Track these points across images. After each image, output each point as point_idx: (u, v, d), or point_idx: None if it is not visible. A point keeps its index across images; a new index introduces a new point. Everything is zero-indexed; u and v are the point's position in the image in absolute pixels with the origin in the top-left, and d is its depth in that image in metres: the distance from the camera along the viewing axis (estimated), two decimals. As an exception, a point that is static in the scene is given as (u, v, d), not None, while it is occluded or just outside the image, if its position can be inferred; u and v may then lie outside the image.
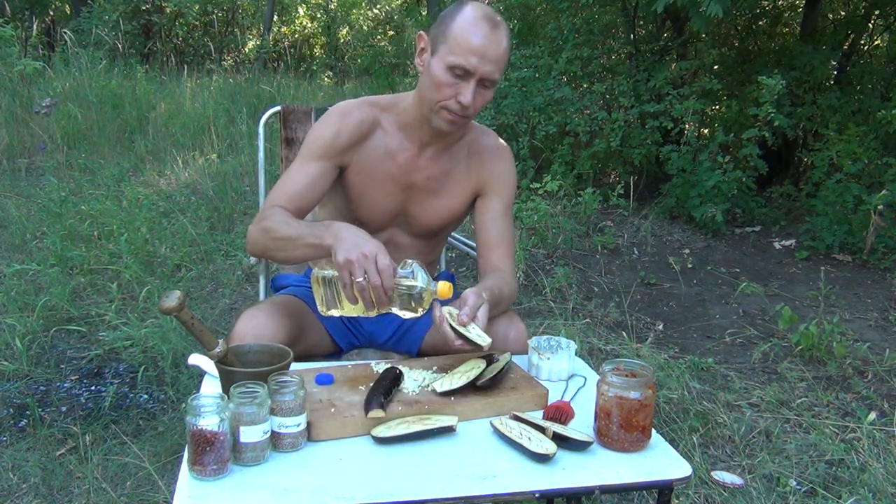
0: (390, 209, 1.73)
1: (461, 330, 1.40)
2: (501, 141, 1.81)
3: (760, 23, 6.74)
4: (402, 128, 1.70)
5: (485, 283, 1.58)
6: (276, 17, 12.46)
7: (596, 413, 1.32)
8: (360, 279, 1.35)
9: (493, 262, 1.71)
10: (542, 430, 1.29)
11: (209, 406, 1.15)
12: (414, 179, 1.72)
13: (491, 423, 1.34)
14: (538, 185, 4.86)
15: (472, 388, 1.39)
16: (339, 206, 1.76)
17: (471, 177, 1.75)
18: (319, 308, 1.47)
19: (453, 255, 4.11)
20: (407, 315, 1.43)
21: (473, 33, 1.51)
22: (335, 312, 1.46)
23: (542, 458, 1.23)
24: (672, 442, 1.99)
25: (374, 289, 1.36)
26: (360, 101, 1.72)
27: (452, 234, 2.12)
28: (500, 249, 1.72)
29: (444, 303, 1.45)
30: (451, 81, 1.54)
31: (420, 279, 1.39)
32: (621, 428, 1.27)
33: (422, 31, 1.62)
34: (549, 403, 1.40)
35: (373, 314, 1.42)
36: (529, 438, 1.26)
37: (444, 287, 1.39)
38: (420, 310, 1.41)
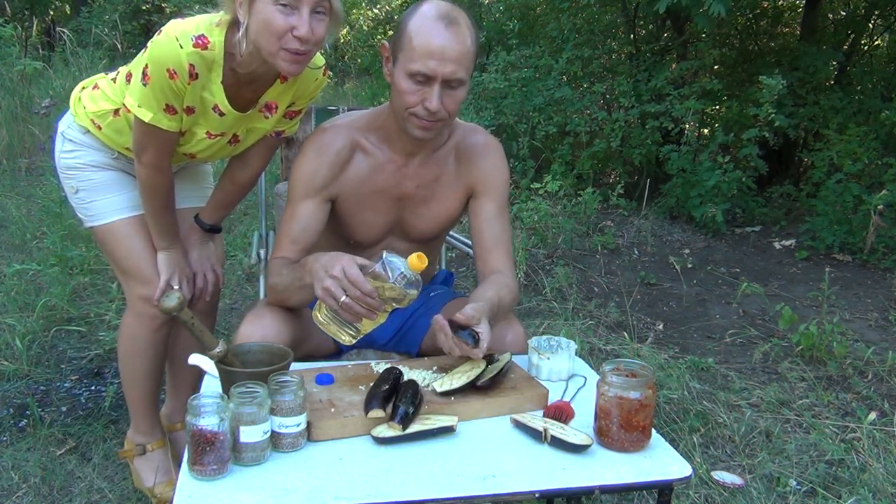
0: (385, 223, 1.72)
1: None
2: (490, 136, 1.78)
3: (761, 23, 6.73)
4: (384, 141, 1.68)
5: (486, 293, 1.56)
6: (276, 17, 12.43)
7: (596, 413, 1.32)
8: (343, 298, 1.36)
9: (492, 265, 1.69)
10: (542, 431, 1.30)
11: (209, 406, 1.15)
12: (405, 189, 1.70)
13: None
14: (538, 186, 4.85)
15: (472, 388, 1.40)
16: (333, 229, 1.75)
17: (461, 178, 1.73)
18: (346, 342, 1.46)
19: (453, 254, 4.10)
20: (406, 303, 1.42)
21: (428, 36, 1.48)
22: (357, 336, 1.46)
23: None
24: (672, 442, 1.98)
25: (358, 300, 1.36)
26: (337, 127, 1.70)
27: (452, 233, 2.12)
28: (497, 251, 1.70)
29: (442, 303, 1.44)
30: (415, 88, 1.51)
31: (393, 267, 1.38)
32: (621, 428, 1.27)
33: (385, 41, 1.61)
34: (549, 403, 1.41)
35: (383, 319, 1.42)
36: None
37: (413, 259, 1.38)
38: (413, 291, 1.40)
